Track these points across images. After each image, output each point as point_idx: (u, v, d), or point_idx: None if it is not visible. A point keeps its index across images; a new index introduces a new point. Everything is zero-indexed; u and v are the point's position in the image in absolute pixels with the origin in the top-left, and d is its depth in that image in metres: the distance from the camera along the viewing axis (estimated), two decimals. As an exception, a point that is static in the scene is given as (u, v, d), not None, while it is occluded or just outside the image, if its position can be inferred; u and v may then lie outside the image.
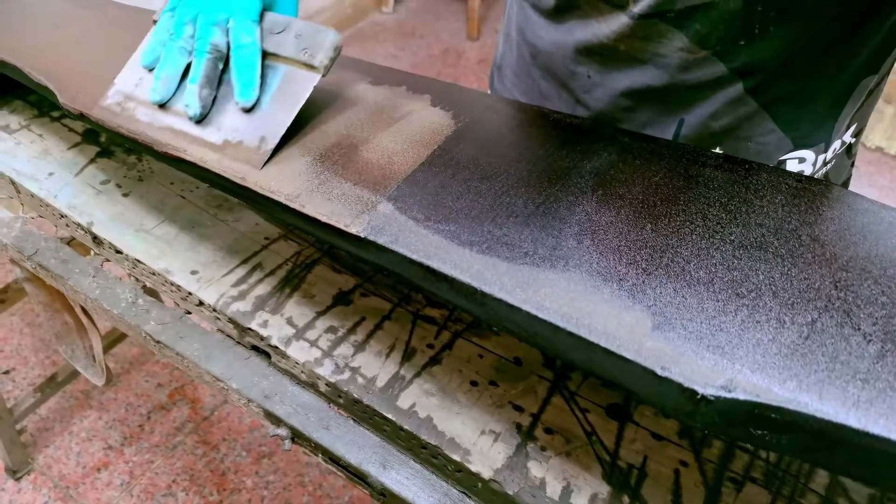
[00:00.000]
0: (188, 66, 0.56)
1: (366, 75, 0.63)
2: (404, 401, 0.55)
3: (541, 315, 0.39)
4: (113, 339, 1.52)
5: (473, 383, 0.56)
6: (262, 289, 0.63)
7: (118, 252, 0.67)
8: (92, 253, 0.73)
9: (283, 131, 0.52)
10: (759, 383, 0.34)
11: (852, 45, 0.56)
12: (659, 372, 0.35)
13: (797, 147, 0.62)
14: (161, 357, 0.65)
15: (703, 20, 0.55)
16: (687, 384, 0.34)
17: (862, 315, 0.36)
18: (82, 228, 0.70)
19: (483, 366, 0.57)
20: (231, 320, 0.61)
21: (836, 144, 0.64)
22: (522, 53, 0.73)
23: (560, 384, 0.56)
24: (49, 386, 1.45)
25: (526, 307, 0.39)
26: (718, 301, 0.38)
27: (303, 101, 0.53)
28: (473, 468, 0.50)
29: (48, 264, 0.71)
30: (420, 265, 0.43)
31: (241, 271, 0.65)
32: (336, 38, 0.53)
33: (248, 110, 0.54)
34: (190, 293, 0.63)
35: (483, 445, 0.52)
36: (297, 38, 0.54)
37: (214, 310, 0.62)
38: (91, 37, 0.73)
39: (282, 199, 0.49)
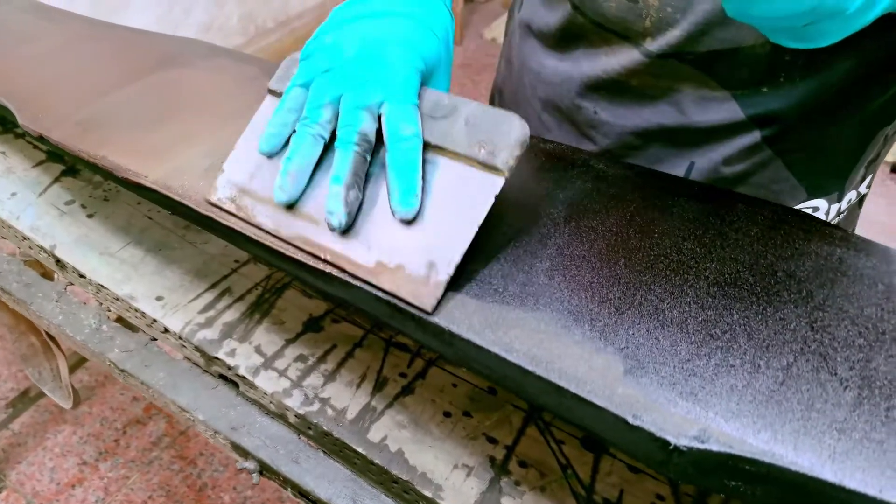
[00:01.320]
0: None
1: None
2: (375, 433, 0.53)
3: (510, 358, 0.37)
4: (87, 353, 1.49)
5: (447, 414, 0.55)
6: (231, 315, 0.61)
7: (82, 276, 0.65)
8: (56, 276, 0.71)
9: (459, 257, 0.40)
10: (733, 433, 0.32)
11: (872, 96, 0.54)
12: (630, 420, 0.34)
13: (811, 196, 0.59)
14: (126, 384, 0.63)
15: (726, 63, 0.53)
16: (659, 434, 0.33)
17: (839, 359, 0.35)
18: (45, 251, 0.68)
19: (457, 395, 0.56)
20: (197, 348, 0.59)
21: (851, 195, 0.62)
22: (523, 81, 0.69)
23: (535, 414, 0.55)
24: (22, 401, 1.42)
25: (494, 349, 0.38)
26: (692, 343, 0.37)
27: (484, 214, 0.40)
28: (445, 505, 0.49)
29: (10, 288, 0.69)
30: (387, 303, 0.41)
31: (208, 296, 0.63)
32: (523, 130, 0.41)
33: (407, 222, 0.42)
34: (155, 320, 0.61)
35: (455, 480, 0.50)
36: (468, 126, 0.42)
37: (180, 338, 0.60)
38: (56, 54, 0.71)
39: (249, 233, 0.47)
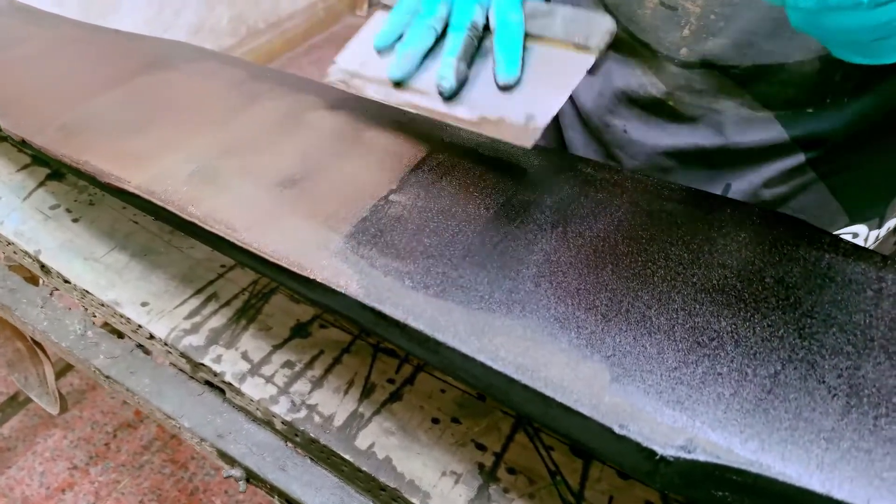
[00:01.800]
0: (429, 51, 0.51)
1: (323, 98, 0.61)
2: (363, 440, 0.52)
3: (495, 366, 0.37)
4: (77, 356, 1.48)
5: (435, 420, 0.54)
6: (217, 321, 0.61)
7: (66, 282, 0.65)
8: (41, 281, 0.70)
9: (555, 110, 0.47)
10: (720, 443, 0.32)
11: None
12: (617, 430, 0.33)
13: (852, 222, 0.57)
14: (111, 392, 0.62)
15: (771, 80, 0.50)
16: (646, 444, 0.33)
17: (827, 366, 0.35)
18: (30, 256, 0.67)
19: (445, 401, 0.56)
20: (183, 355, 0.58)
21: (892, 222, 0.59)
22: None
23: (524, 420, 0.54)
24: (11, 405, 1.41)
25: (480, 357, 0.37)
26: (679, 350, 0.36)
27: (577, 82, 0.48)
28: (433, 512, 0.48)
29: (-6, 294, 0.68)
30: (372, 310, 0.41)
31: (194, 302, 0.62)
32: (611, 23, 0.48)
33: (509, 88, 0.49)
34: (140, 326, 0.60)
35: (444, 488, 0.50)
36: (564, 21, 0.50)
37: (166, 344, 0.59)
38: (41, 58, 0.70)
39: (233, 239, 0.46)
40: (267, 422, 0.56)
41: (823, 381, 0.34)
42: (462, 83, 0.49)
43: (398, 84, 0.51)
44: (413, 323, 0.39)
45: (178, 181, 0.51)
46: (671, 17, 0.52)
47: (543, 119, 0.47)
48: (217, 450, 0.55)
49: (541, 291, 0.40)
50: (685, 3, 0.51)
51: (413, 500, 0.49)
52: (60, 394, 0.81)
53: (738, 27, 0.50)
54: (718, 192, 0.57)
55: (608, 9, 0.58)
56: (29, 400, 1.42)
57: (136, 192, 0.51)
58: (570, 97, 0.63)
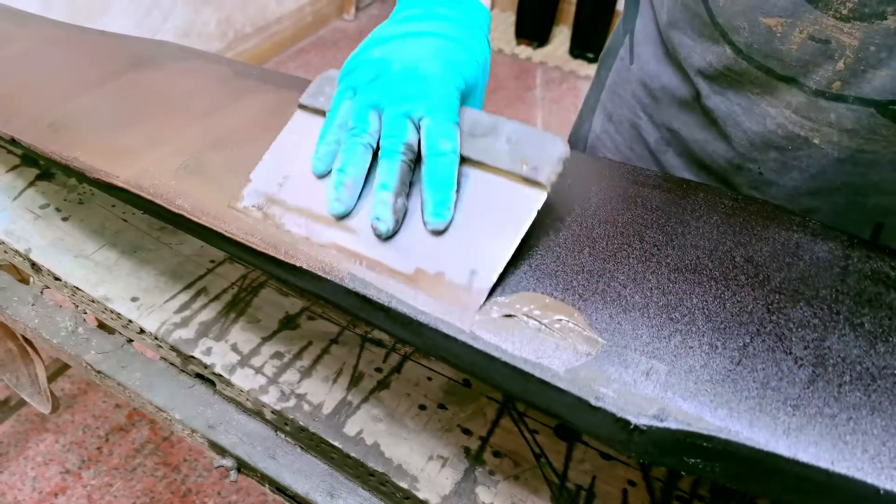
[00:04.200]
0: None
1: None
2: (351, 427, 0.54)
3: (476, 345, 0.38)
4: (68, 360, 1.48)
5: (422, 407, 0.55)
6: (207, 314, 0.62)
7: (57, 279, 0.65)
8: (32, 280, 0.70)
9: (502, 265, 0.41)
10: (691, 411, 0.33)
11: None
12: (593, 402, 0.35)
13: None
14: (103, 386, 0.63)
15: None
16: (620, 414, 0.34)
17: (794, 339, 0.36)
18: (20, 255, 0.68)
19: (432, 388, 0.57)
20: (173, 348, 0.59)
21: None
22: (644, 135, 0.63)
23: (509, 405, 0.55)
24: (2, 409, 1.41)
25: (461, 337, 0.38)
26: (653, 326, 0.37)
27: (527, 225, 0.42)
28: (421, 495, 0.49)
29: (-15, 293, 0.69)
30: (357, 294, 0.42)
31: (184, 296, 0.63)
32: (563, 148, 0.42)
33: (439, 233, 0.43)
34: (130, 321, 0.61)
35: (431, 471, 0.51)
36: (509, 143, 0.43)
37: (156, 338, 0.60)
38: (28, 57, 0.71)
39: (221, 230, 0.47)
40: (257, 412, 0.57)
41: (790, 353, 0.35)
42: (401, 220, 0.44)
43: (340, 217, 0.45)
44: (396, 306, 0.40)
45: (167, 175, 0.52)
46: (822, 50, 0.47)
47: (487, 278, 0.41)
48: (208, 440, 0.56)
49: (519, 273, 0.41)
50: (839, 36, 0.46)
51: (401, 485, 0.50)
52: (52, 393, 0.81)
53: None
54: (868, 232, 0.54)
55: (737, 50, 0.52)
56: (20, 405, 1.42)
57: (125, 186, 0.52)
58: (672, 139, 0.59)
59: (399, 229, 0.44)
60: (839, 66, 0.47)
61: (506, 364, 0.37)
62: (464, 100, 0.46)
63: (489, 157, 0.44)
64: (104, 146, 0.56)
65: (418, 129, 0.44)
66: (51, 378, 1.38)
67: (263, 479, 0.55)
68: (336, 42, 3.06)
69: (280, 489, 0.54)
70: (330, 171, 0.46)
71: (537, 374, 0.36)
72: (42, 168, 0.77)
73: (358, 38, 3.07)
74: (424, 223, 0.43)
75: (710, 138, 0.57)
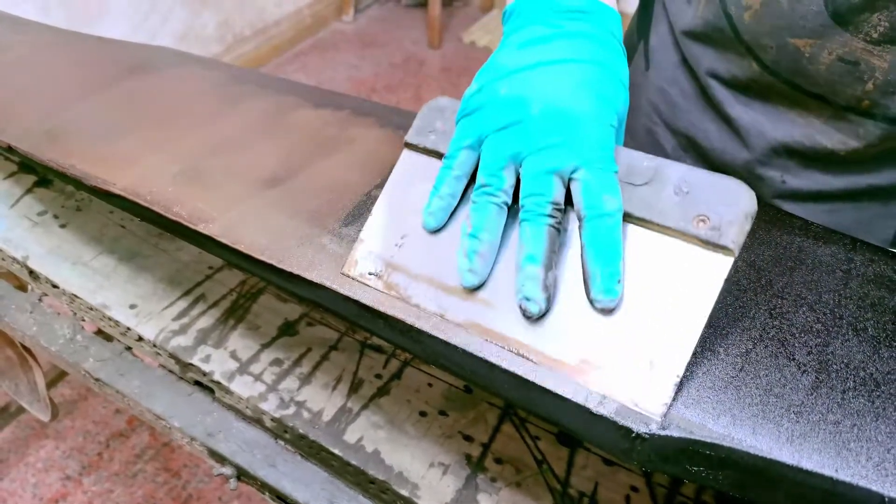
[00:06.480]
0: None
1: (304, 98, 0.61)
2: (351, 435, 0.53)
3: (477, 353, 0.38)
4: (68, 366, 1.48)
5: (422, 413, 0.55)
6: (205, 321, 0.61)
7: (55, 287, 0.65)
8: (30, 287, 0.70)
9: (689, 351, 0.34)
10: (694, 419, 0.33)
11: None
12: (594, 410, 0.34)
13: None
14: (102, 394, 0.63)
15: None
16: (622, 422, 0.34)
17: (797, 344, 0.36)
18: (18, 262, 0.68)
19: (432, 395, 0.56)
20: (172, 355, 0.59)
21: None
22: (662, 142, 0.61)
23: (510, 411, 0.55)
24: (2, 416, 1.40)
25: (462, 345, 0.38)
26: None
27: (714, 300, 0.34)
28: (422, 503, 0.49)
29: (-18, 301, 0.69)
30: (355, 302, 0.42)
31: (182, 303, 0.63)
32: (751, 200, 0.35)
33: (608, 311, 0.36)
34: (129, 328, 0.61)
35: (432, 479, 0.51)
36: (679, 195, 0.35)
37: (154, 345, 0.60)
38: (25, 64, 0.71)
39: (219, 238, 0.47)
40: (256, 419, 0.57)
41: (793, 359, 0.35)
42: (552, 300, 0.37)
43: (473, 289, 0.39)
44: (396, 313, 0.40)
45: (164, 182, 0.51)
46: (851, 71, 0.46)
47: (673, 371, 0.33)
48: (208, 448, 0.56)
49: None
50: (869, 59, 0.45)
51: (402, 492, 0.50)
52: (51, 400, 0.81)
53: None
54: (892, 233, 0.53)
55: (763, 66, 0.50)
56: (20, 411, 1.42)
57: (122, 193, 0.51)
58: (691, 145, 0.57)
59: (551, 307, 0.37)
60: (868, 86, 0.46)
61: (506, 371, 0.37)
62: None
63: (655, 214, 0.36)
64: (101, 153, 0.55)
65: (566, 181, 0.37)
66: (50, 384, 1.37)
67: (263, 487, 0.55)
68: (335, 44, 3.06)
69: (280, 497, 0.54)
70: (442, 228, 0.40)
71: (538, 381, 0.36)
72: (40, 175, 0.77)
73: (357, 40, 3.06)
74: (591, 301, 0.36)
75: (730, 146, 0.56)
